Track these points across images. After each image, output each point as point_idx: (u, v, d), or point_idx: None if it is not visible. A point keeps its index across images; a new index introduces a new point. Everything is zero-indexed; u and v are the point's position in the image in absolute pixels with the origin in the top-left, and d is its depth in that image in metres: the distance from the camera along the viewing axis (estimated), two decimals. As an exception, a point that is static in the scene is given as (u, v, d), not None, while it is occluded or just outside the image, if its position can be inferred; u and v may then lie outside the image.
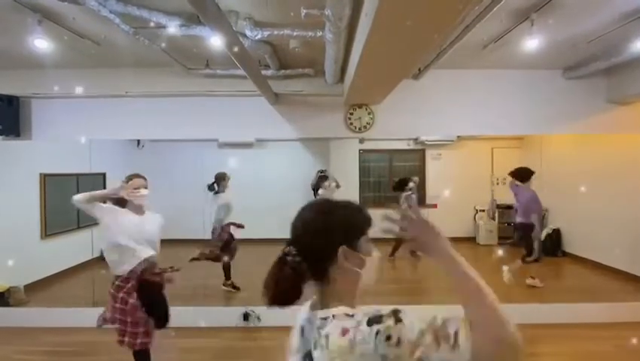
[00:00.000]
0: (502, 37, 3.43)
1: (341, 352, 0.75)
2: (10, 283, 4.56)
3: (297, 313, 0.95)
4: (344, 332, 0.77)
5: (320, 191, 6.15)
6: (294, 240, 0.90)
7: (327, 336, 0.78)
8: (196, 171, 6.98)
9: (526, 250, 4.88)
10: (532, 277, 4.95)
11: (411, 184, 6.48)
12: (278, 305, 0.86)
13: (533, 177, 4.95)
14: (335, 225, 0.89)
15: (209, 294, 4.90)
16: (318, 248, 0.88)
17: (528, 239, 4.87)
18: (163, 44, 3.48)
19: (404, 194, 6.44)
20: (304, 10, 2.62)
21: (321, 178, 6.13)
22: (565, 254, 6.64)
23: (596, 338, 3.68)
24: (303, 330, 0.89)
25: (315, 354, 0.80)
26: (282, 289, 0.85)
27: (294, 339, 0.91)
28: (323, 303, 0.88)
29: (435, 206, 7.59)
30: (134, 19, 2.89)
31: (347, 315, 0.81)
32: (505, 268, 4.87)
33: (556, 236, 6.69)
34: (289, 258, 0.86)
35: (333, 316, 0.81)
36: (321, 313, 0.84)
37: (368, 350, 0.73)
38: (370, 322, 0.76)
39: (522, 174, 4.97)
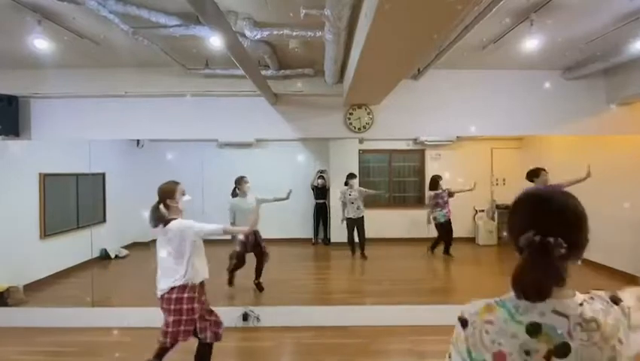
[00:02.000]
0: (501, 37, 3.44)
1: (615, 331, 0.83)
2: (10, 283, 4.55)
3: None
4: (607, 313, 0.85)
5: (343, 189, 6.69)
6: (565, 231, 0.90)
7: (594, 320, 0.83)
8: (196, 171, 6.98)
9: None
10: None
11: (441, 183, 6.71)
12: (536, 296, 0.84)
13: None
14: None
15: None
16: (585, 240, 0.95)
17: None
18: (163, 44, 3.49)
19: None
20: (303, 11, 2.63)
21: (349, 176, 6.65)
22: (564, 255, 6.64)
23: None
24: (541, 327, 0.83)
25: (575, 343, 0.81)
26: (549, 279, 0.85)
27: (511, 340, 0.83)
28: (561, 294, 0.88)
29: None
30: (133, 19, 2.89)
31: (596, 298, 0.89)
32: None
33: (555, 237, 6.67)
34: (560, 249, 0.86)
35: (592, 298, 0.88)
36: (572, 301, 0.86)
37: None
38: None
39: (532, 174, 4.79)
